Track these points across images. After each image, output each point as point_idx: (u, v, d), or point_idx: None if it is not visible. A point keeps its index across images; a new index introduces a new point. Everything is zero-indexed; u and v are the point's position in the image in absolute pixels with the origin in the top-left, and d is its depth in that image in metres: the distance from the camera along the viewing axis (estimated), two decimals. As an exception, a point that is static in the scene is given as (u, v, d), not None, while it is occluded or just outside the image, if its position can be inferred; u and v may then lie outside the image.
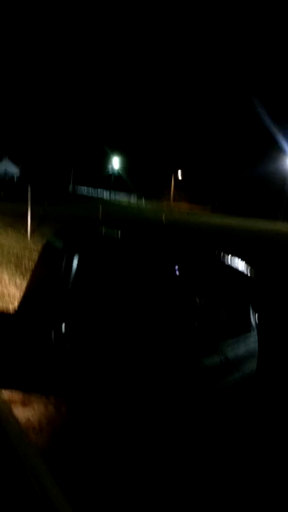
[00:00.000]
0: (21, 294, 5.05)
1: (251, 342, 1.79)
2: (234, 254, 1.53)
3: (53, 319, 1.09)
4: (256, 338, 1.82)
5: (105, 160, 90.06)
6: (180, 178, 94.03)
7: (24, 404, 3.08)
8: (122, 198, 76.24)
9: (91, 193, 78.98)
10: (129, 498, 1.87)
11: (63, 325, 1.10)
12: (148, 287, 1.46)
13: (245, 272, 1.51)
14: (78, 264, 1.14)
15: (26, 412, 3.00)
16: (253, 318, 1.90)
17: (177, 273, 1.64)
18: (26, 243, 10.72)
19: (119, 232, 1.35)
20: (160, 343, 1.39)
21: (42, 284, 1.15)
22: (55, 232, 1.23)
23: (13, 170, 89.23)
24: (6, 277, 6.81)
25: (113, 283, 1.32)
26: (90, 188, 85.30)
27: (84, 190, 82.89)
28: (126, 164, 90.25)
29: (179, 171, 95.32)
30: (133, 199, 76.61)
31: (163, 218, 29.56)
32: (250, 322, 1.89)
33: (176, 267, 1.62)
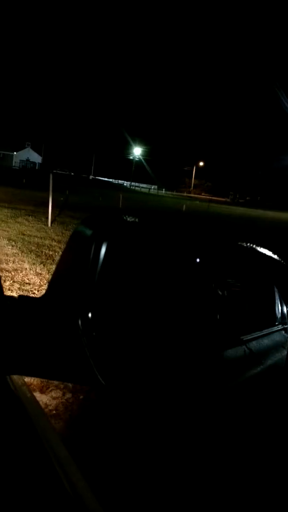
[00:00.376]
0: (41, 282, 5.10)
1: (276, 335, 1.74)
2: (260, 244, 1.48)
3: (81, 306, 1.09)
4: (281, 332, 1.77)
5: (127, 149, 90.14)
6: (201, 168, 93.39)
7: (42, 390, 3.11)
8: (142, 188, 76.33)
9: (112, 181, 79.32)
10: (146, 486, 1.87)
11: (90, 312, 1.10)
12: (172, 277, 1.44)
13: (273, 262, 1.46)
14: (105, 252, 1.14)
15: (43, 398, 3.03)
16: (278, 311, 1.85)
17: (199, 263, 1.61)
18: (47, 232, 10.80)
19: (145, 221, 1.33)
20: (182, 334, 1.37)
21: (70, 271, 1.14)
22: (83, 220, 1.22)
23: (36, 158, 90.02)
24: (27, 266, 6.86)
25: (138, 272, 1.31)
26: (111, 177, 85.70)
27: (104, 178, 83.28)
28: (147, 154, 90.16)
29: (201, 163, 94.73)
30: (153, 189, 76.65)
31: (184, 208, 29.46)
32: (275, 314, 1.84)
33: (198, 259, 1.59)
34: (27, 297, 1.10)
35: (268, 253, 1.36)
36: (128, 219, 1.25)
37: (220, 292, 1.69)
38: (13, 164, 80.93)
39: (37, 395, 3.04)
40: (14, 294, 5.14)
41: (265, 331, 1.70)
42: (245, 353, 1.49)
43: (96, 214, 1.26)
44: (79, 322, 1.07)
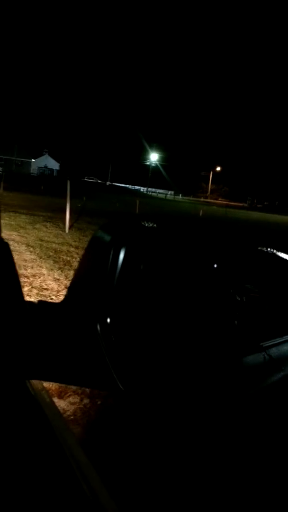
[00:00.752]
0: (59, 287, 5.13)
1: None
2: (280, 249, 1.47)
3: (99, 311, 1.09)
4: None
5: (143, 155, 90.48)
6: (218, 173, 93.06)
7: (60, 396, 3.13)
8: (159, 193, 76.41)
9: (129, 187, 79.73)
10: (164, 491, 1.85)
11: (109, 317, 1.10)
12: (190, 283, 1.43)
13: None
14: (124, 258, 1.14)
15: (61, 404, 3.04)
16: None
17: (217, 269, 1.60)
18: (64, 238, 10.89)
19: (163, 226, 1.33)
20: (201, 340, 1.36)
21: (89, 276, 1.15)
22: (102, 226, 1.23)
23: (53, 164, 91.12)
24: (45, 271, 6.93)
25: (157, 277, 1.31)
26: (127, 183, 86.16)
27: (121, 184, 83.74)
28: (164, 160, 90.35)
29: (218, 168, 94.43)
30: (170, 194, 76.70)
31: (201, 213, 29.38)
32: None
33: (215, 264, 1.58)
34: (47, 302, 1.11)
35: (285, 256, 1.35)
36: (146, 224, 1.25)
37: (238, 298, 1.68)
38: (31, 171, 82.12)
39: (55, 400, 3.05)
40: (33, 299, 5.19)
41: (285, 337, 1.67)
42: (264, 360, 1.47)
43: (115, 220, 1.27)
44: (98, 327, 1.07)
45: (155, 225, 1.26)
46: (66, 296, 1.14)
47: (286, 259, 1.38)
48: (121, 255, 1.14)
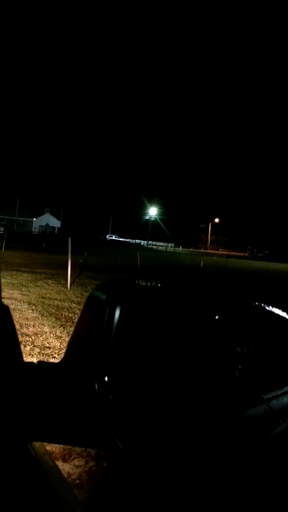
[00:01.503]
0: (61, 345, 5.10)
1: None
2: (277, 301, 1.51)
3: (97, 370, 1.11)
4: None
5: (142, 210, 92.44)
6: (217, 224, 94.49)
7: (64, 459, 3.03)
8: (159, 246, 77.18)
9: (129, 241, 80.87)
10: None
11: (106, 376, 1.12)
12: (189, 338, 1.46)
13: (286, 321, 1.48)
14: (120, 316, 1.18)
15: (66, 467, 2.94)
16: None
17: (218, 321, 1.63)
18: (66, 294, 10.91)
19: (159, 283, 1.38)
20: (202, 394, 1.37)
21: (86, 335, 1.19)
22: (98, 286, 1.28)
23: (55, 222, 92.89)
24: (47, 329, 6.90)
25: (154, 334, 1.34)
26: (128, 237, 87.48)
27: (122, 238, 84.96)
28: (162, 213, 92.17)
29: (216, 219, 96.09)
30: (170, 247, 77.48)
31: (201, 264, 29.52)
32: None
33: (217, 316, 1.61)
34: (46, 362, 1.14)
35: (281, 313, 1.38)
36: (141, 283, 1.30)
37: (239, 349, 1.69)
38: (33, 230, 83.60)
39: (60, 463, 2.96)
40: (35, 360, 5.14)
41: (285, 389, 1.67)
42: (265, 412, 1.47)
43: (110, 280, 1.32)
44: (96, 386, 1.09)
45: (150, 283, 1.31)
46: (65, 356, 1.17)
47: (278, 314, 1.42)
48: (117, 314, 1.18)
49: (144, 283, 1.31)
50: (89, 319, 1.20)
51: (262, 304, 1.79)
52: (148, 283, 1.32)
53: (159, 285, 1.46)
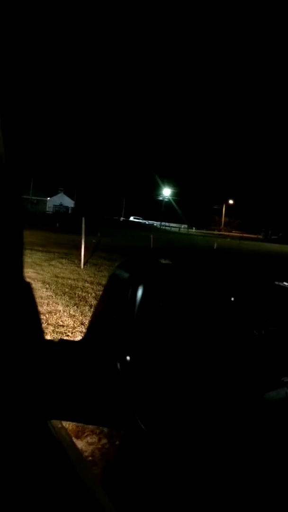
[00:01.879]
0: (74, 324, 5.13)
1: None
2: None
3: (119, 349, 1.09)
4: None
5: (156, 190, 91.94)
6: (231, 206, 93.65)
7: (77, 436, 3.06)
8: (172, 227, 76.97)
9: (143, 222, 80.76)
10: None
11: (128, 355, 1.10)
12: (206, 319, 1.43)
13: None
14: (142, 295, 1.15)
15: (79, 444, 2.97)
16: None
17: (234, 302, 1.59)
18: (79, 274, 10.96)
19: (180, 262, 1.34)
20: (222, 376, 1.34)
21: (107, 314, 1.16)
22: (120, 264, 1.25)
23: (68, 202, 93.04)
24: (60, 308, 6.94)
25: (176, 314, 1.31)
26: (141, 218, 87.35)
27: (135, 219, 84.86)
28: (176, 194, 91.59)
29: (230, 200, 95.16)
30: (183, 228, 77.23)
31: (215, 246, 29.37)
32: None
33: (232, 298, 1.57)
34: (67, 340, 1.11)
35: None
36: (163, 261, 1.26)
37: (256, 332, 1.66)
38: (47, 209, 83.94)
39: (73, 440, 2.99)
40: (49, 337, 5.18)
41: None
42: (286, 395, 1.44)
43: (132, 257, 1.28)
44: (118, 365, 1.07)
45: (171, 262, 1.27)
46: (86, 334, 1.15)
47: None
48: (139, 293, 1.14)
49: (166, 262, 1.27)
50: (112, 297, 1.17)
51: (280, 283, 1.74)
52: (170, 261, 1.28)
53: (179, 264, 1.42)
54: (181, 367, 1.24)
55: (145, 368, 1.14)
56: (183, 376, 1.23)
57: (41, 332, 1.11)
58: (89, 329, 1.18)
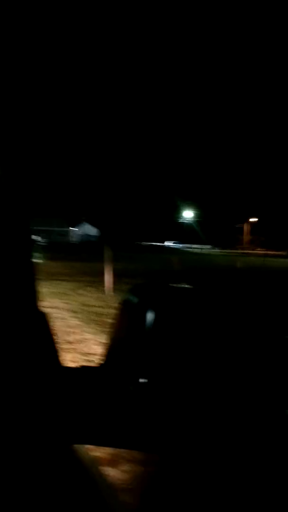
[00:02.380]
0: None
1: None
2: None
3: (133, 373, 1.12)
4: None
5: (178, 213, 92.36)
6: (254, 223, 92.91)
7: (110, 463, 3.07)
8: (195, 248, 76.68)
9: (165, 245, 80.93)
10: None
11: (143, 378, 1.12)
12: (226, 338, 1.43)
13: None
14: (152, 319, 1.17)
15: (111, 472, 2.98)
16: None
17: (257, 323, 1.59)
18: (105, 301, 11.04)
19: (193, 284, 1.36)
20: (242, 395, 1.35)
21: (119, 338, 1.19)
22: (130, 289, 1.28)
23: (92, 231, 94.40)
24: (89, 336, 7.00)
25: (189, 336, 1.33)
26: (164, 241, 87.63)
27: (158, 243, 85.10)
28: (198, 215, 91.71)
29: (252, 219, 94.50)
30: (206, 249, 76.81)
31: (238, 265, 29.07)
32: None
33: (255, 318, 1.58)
34: (88, 367, 1.16)
35: None
36: (175, 285, 1.29)
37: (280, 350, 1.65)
38: (71, 239, 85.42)
39: (105, 468, 3.00)
40: (74, 365, 5.21)
41: None
42: None
43: (143, 282, 1.32)
44: (131, 388, 1.09)
45: (185, 286, 1.30)
46: (104, 360, 1.19)
47: None
48: (150, 316, 1.16)
49: (177, 286, 1.30)
50: (122, 322, 1.20)
51: None
52: (182, 286, 1.31)
53: (193, 287, 1.44)
54: (196, 389, 1.25)
55: (160, 390, 1.16)
56: (199, 398, 1.24)
57: (58, 359, 1.14)
58: (105, 353, 1.21)
